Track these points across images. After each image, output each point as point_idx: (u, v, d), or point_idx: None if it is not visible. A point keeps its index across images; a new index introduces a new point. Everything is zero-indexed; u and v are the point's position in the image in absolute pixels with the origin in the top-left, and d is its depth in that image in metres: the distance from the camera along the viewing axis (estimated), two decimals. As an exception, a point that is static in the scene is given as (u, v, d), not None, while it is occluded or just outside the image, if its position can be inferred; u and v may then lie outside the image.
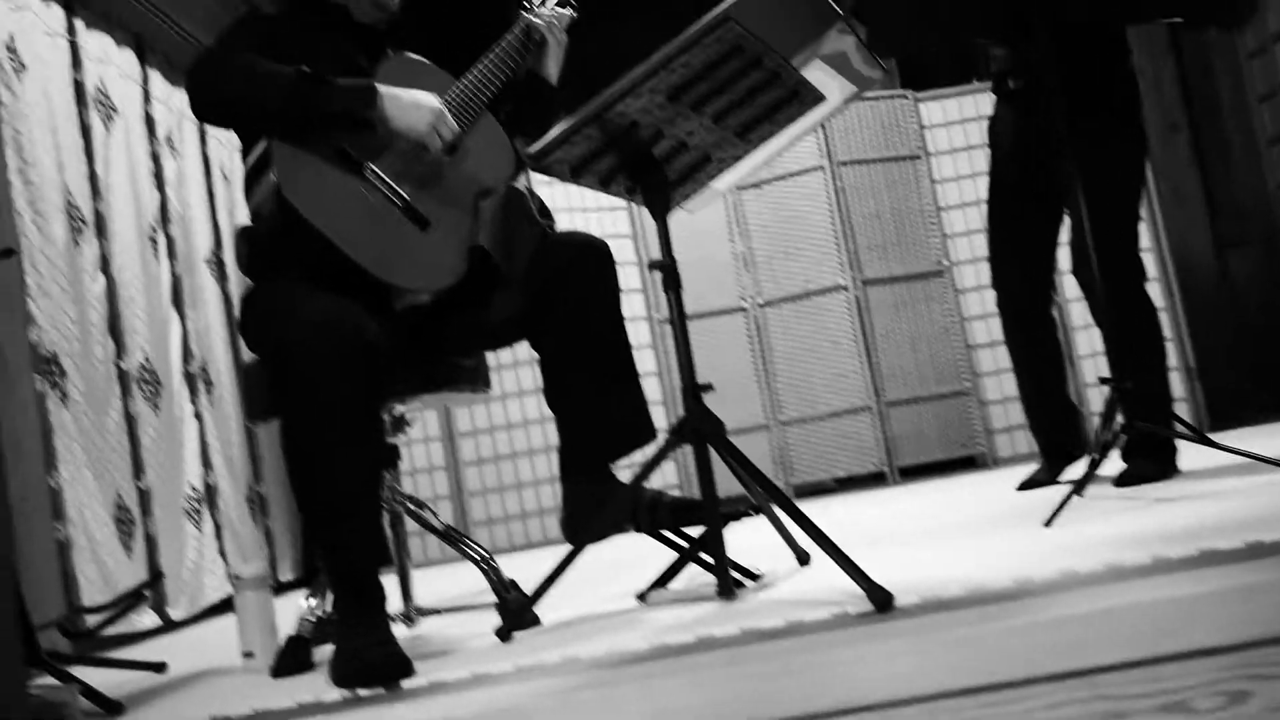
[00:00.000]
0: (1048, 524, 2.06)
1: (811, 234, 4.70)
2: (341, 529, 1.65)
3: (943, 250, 4.74)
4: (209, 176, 4.27)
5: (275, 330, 1.70)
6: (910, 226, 4.74)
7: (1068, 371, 3.05)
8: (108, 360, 3.30)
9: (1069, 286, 4.02)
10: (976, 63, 3.50)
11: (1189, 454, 2.52)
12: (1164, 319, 4.29)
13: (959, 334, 4.70)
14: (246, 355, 2.01)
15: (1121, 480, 2.50)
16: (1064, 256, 2.88)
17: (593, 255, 1.98)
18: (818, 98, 1.79)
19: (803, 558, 2.07)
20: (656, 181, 1.82)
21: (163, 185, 3.87)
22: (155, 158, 3.85)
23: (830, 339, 4.64)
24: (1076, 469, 2.77)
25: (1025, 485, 2.93)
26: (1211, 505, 1.98)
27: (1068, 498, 2.12)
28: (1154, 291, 4.09)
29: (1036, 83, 2.73)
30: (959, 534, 2.29)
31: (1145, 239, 4.37)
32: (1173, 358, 4.33)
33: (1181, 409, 4.35)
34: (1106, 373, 2.37)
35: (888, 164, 4.76)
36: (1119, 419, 2.33)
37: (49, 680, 1.79)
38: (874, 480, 4.57)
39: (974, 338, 4.71)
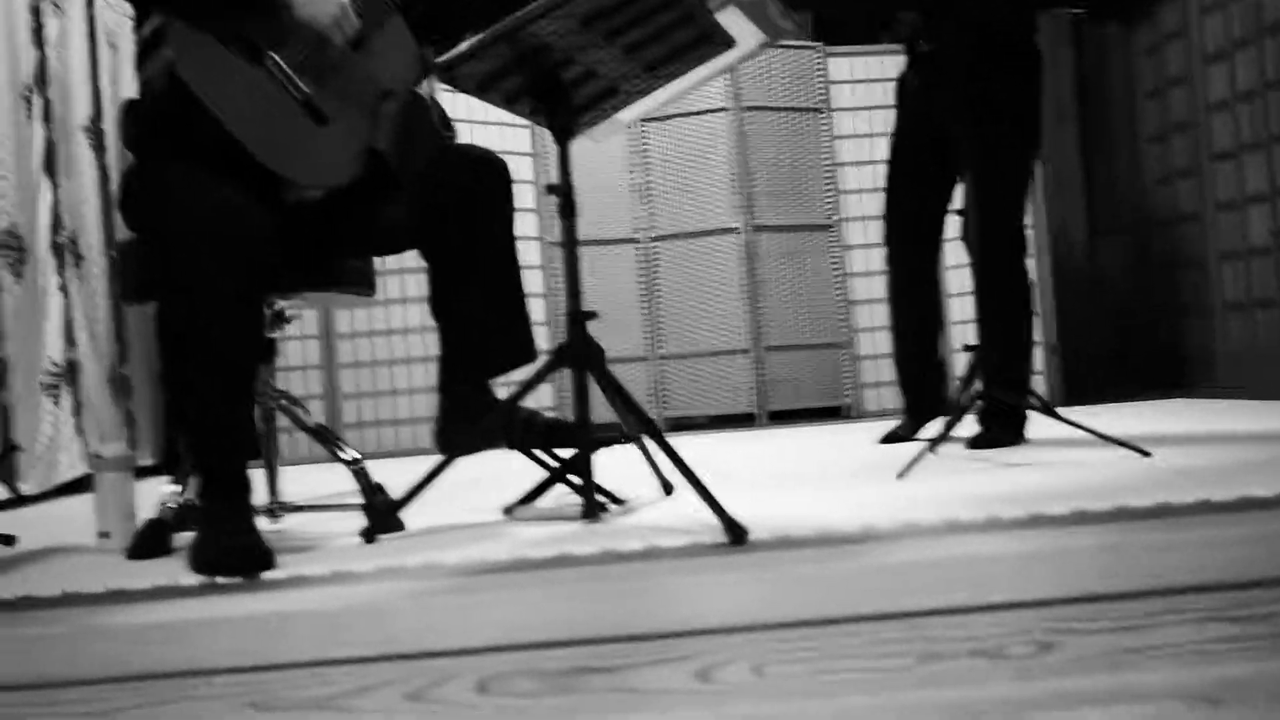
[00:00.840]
0: (900, 477, 2.17)
1: (710, 174, 4.74)
2: (213, 418, 1.64)
3: (834, 205, 4.84)
4: (93, 41, 4.05)
5: (163, 212, 1.66)
6: (806, 178, 4.83)
7: (941, 333, 3.18)
8: (-30, 222, 3.15)
9: (953, 252, 4.16)
10: (888, 22, 3.56)
11: (1039, 425, 2.67)
12: (1034, 294, 4.53)
13: (841, 288, 4.83)
14: (122, 232, 1.95)
15: (973, 443, 2.65)
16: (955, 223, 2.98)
17: (490, 170, 1.98)
18: (729, 42, 1.82)
19: (667, 488, 2.14)
20: (562, 106, 1.83)
21: (42, 44, 3.66)
22: (36, 12, 3.64)
23: (717, 279, 4.72)
24: (936, 427, 2.91)
25: (887, 439, 3.07)
26: (1050, 474, 2.12)
27: (921, 455, 2.24)
28: (1029, 266, 4.28)
29: (945, 48, 2.81)
30: (816, 479, 2.40)
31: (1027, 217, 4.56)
32: (1036, 333, 4.55)
33: (1038, 382, 4.59)
34: (974, 340, 2.49)
35: (791, 114, 4.83)
36: (977, 385, 2.46)
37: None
38: (744, 421, 4.69)
39: (854, 293, 4.85)
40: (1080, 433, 2.34)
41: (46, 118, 3.66)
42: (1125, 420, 3.16)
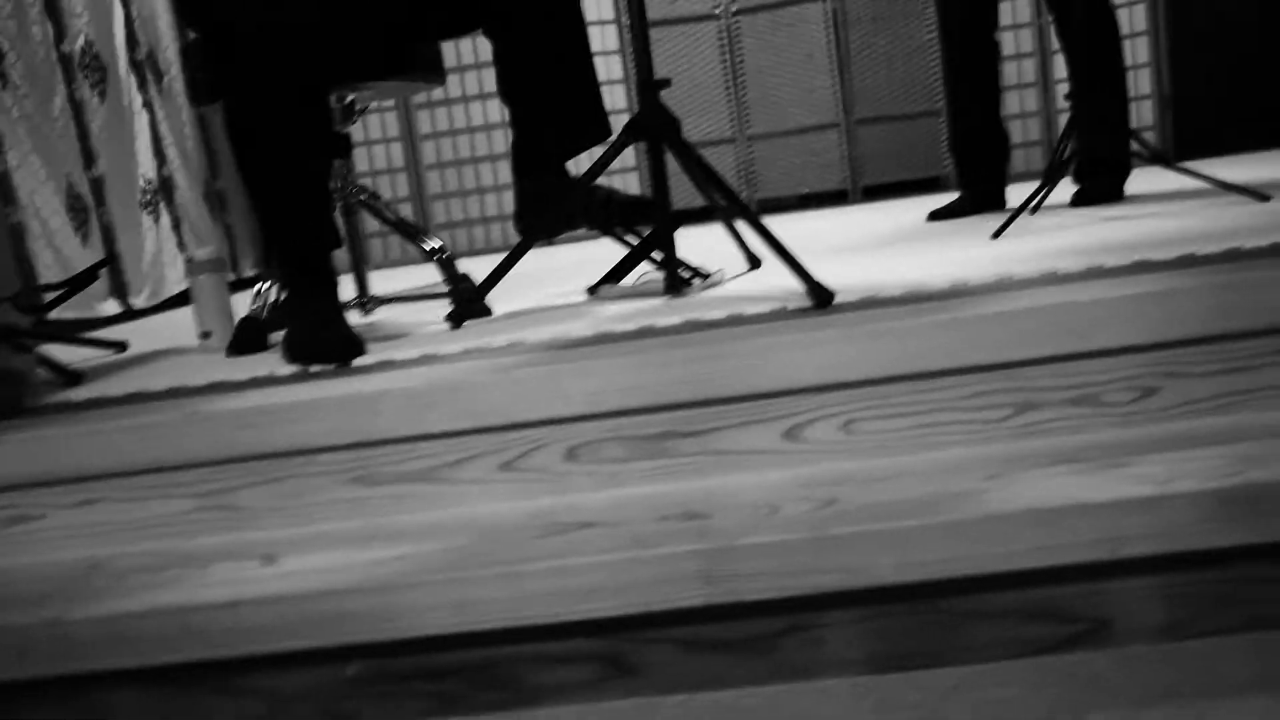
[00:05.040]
0: (995, 237, 2.09)
1: (792, -63, 4.46)
2: (289, 212, 1.64)
3: (926, -39, 4.52)
4: None
5: (214, 6, 1.62)
6: (895, -67, 4.51)
7: (1001, 101, 2.91)
8: (48, 43, 3.15)
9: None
10: None
11: (1148, 179, 2.53)
12: (1145, 43, 4.22)
13: (936, 53, 4.56)
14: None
15: (1075, 201, 2.52)
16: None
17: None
18: None
19: (754, 262, 2.10)
20: None
21: None
22: None
23: (804, 52, 4.51)
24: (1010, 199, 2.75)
25: (936, 215, 2.85)
26: (1155, 223, 2.01)
27: (1017, 213, 2.15)
28: (1139, 15, 3.98)
29: None
30: (907, 245, 2.33)
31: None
32: (1148, 85, 4.28)
33: (1150, 137, 4.33)
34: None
35: None
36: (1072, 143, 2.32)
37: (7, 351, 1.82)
38: (836, 198, 4.57)
39: (950, 57, 4.58)
40: (1191, 184, 2.21)
41: (107, -71, 3.59)
42: (1243, 169, 2.96)
